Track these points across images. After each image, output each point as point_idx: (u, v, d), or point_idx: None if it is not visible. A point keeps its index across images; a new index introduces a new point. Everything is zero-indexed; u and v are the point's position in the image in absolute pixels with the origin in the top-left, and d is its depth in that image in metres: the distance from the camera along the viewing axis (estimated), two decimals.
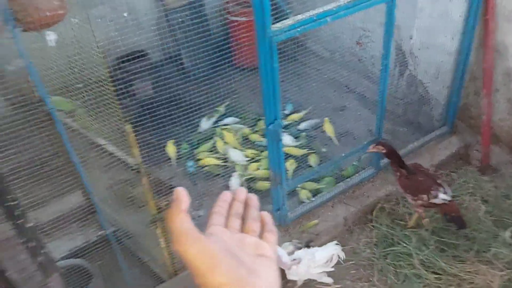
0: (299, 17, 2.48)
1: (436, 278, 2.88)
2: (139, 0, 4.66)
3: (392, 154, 2.97)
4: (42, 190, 3.51)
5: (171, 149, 4.10)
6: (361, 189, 3.48)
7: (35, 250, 2.07)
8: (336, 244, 2.91)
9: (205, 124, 4.40)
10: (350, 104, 4.42)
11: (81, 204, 3.67)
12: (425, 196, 2.88)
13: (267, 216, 0.78)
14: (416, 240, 3.06)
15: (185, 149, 4.14)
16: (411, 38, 3.88)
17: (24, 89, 2.53)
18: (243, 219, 0.76)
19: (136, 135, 4.06)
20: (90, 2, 4.10)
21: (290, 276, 2.80)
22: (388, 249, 3.07)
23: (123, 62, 4.56)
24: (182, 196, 0.68)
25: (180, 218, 0.66)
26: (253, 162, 3.88)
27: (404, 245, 3.04)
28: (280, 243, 3.14)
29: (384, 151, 2.97)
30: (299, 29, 2.49)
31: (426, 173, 3.00)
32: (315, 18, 2.53)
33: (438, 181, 2.97)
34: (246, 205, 0.78)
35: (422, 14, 3.67)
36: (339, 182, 3.50)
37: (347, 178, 3.53)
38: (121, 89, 4.55)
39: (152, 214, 2.67)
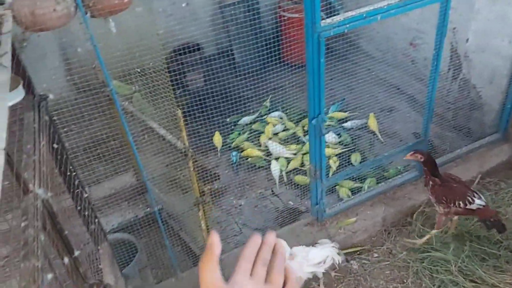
0: (349, 13, 2.51)
1: (474, 286, 2.82)
2: None
3: (429, 163, 2.91)
4: (98, 168, 3.79)
5: (217, 139, 4.27)
6: (402, 191, 3.45)
7: (89, 218, 2.27)
8: (333, 246, 2.90)
9: (247, 118, 4.50)
10: (399, 105, 4.37)
11: (132, 184, 3.93)
12: (461, 203, 2.85)
13: (291, 271, 0.80)
14: (454, 247, 3.01)
15: (232, 139, 4.29)
16: (467, 41, 3.78)
17: (89, 74, 2.76)
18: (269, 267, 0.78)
19: (185, 124, 4.28)
20: None
21: None
22: (425, 253, 3.03)
23: (179, 54, 4.78)
24: (215, 241, 0.73)
25: (210, 268, 0.71)
26: (296, 156, 3.96)
27: (442, 251, 3.00)
28: (316, 239, 3.19)
29: (422, 159, 2.92)
30: (348, 26, 2.53)
31: (458, 180, 2.96)
32: (364, 15, 2.56)
33: (471, 187, 2.96)
34: (274, 251, 0.80)
35: (479, 16, 3.57)
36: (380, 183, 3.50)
37: (388, 179, 3.52)
38: (175, 79, 4.80)
39: (195, 196, 2.81)
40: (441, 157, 3.63)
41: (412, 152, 2.95)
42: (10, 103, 1.59)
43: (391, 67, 4.72)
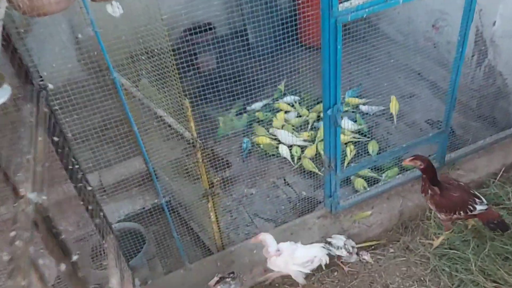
0: None
1: (495, 287, 2.69)
2: None
3: (429, 171, 2.72)
4: (109, 153, 3.72)
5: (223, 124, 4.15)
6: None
7: (93, 212, 2.19)
8: (323, 247, 2.79)
9: (257, 104, 4.35)
10: (420, 92, 4.17)
11: (142, 169, 3.85)
12: (462, 212, 2.73)
13: None
14: (474, 245, 2.87)
15: (243, 124, 4.14)
16: (493, 25, 3.54)
17: (98, 55, 2.64)
18: None
19: (196, 108, 4.14)
20: None
21: (269, 265, 2.76)
22: (444, 250, 2.90)
23: (190, 34, 4.63)
24: None
25: None
26: (311, 144, 3.82)
27: (462, 249, 2.87)
28: (329, 232, 3.08)
29: (421, 166, 2.71)
30: (367, 10, 2.35)
31: (457, 186, 2.79)
32: None
33: (471, 191, 2.80)
34: None
35: None
36: (400, 174, 3.35)
37: (406, 170, 3.36)
38: (186, 61, 4.66)
39: (204, 188, 2.72)
40: (463, 148, 3.45)
41: (412, 158, 2.73)
42: None
43: (412, 51, 4.49)
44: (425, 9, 4.26)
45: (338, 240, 2.87)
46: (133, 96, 2.91)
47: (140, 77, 2.79)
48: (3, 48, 1.68)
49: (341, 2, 2.29)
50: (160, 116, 2.70)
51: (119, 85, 2.22)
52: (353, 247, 2.85)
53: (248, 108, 4.33)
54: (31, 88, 1.82)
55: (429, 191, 2.77)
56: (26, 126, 1.59)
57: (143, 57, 2.33)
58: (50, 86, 1.87)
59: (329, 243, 2.86)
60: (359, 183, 3.36)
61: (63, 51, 4.07)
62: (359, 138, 3.81)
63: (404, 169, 3.40)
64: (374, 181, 3.40)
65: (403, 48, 4.59)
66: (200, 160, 2.58)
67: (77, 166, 2.09)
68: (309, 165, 3.62)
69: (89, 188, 2.14)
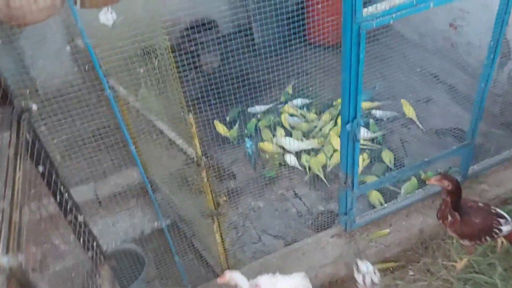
0: (396, 1, 2.07)
1: None
2: None
3: (456, 193, 2.44)
4: (105, 163, 3.48)
5: (220, 128, 3.91)
6: None
7: (86, 244, 1.96)
8: (305, 276, 2.52)
9: (259, 107, 4.08)
10: (437, 96, 3.91)
11: (139, 180, 3.61)
12: (488, 237, 2.52)
13: None
14: (502, 270, 2.64)
15: (251, 128, 3.89)
16: None
17: (90, 68, 2.39)
18: None
19: (199, 111, 3.88)
20: None
21: None
22: (469, 274, 2.67)
23: (192, 32, 4.35)
24: None
25: None
26: (318, 152, 3.58)
27: (488, 273, 2.64)
28: (343, 252, 2.85)
29: (449, 187, 2.41)
30: (394, 16, 2.09)
31: (477, 209, 2.53)
32: (415, 2, 2.11)
33: (493, 210, 2.54)
34: None
35: None
36: (419, 188, 3.11)
37: (426, 183, 3.12)
38: (187, 60, 4.39)
39: (209, 209, 2.48)
40: (487, 159, 3.21)
41: (440, 177, 2.44)
42: None
43: (429, 53, 4.23)
44: (444, 6, 3.98)
45: (366, 266, 2.60)
46: (131, 106, 2.66)
47: (138, 86, 2.54)
48: None
49: (364, 6, 2.03)
50: (161, 130, 2.46)
51: (113, 99, 1.97)
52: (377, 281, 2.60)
53: (249, 110, 4.07)
54: (10, 110, 1.56)
55: (449, 217, 2.51)
56: (3, 159, 1.34)
57: (140, 59, 2.07)
58: (34, 107, 1.62)
59: (356, 264, 2.59)
60: (375, 196, 3.13)
61: (58, 53, 3.82)
62: (371, 146, 3.56)
63: (423, 181, 3.16)
64: (390, 193, 3.17)
65: (419, 48, 4.33)
66: (205, 180, 2.34)
67: (66, 194, 1.85)
68: (319, 172, 3.39)
69: (80, 218, 1.90)
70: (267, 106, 4.11)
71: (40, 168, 1.63)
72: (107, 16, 1.67)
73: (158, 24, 1.97)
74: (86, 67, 2.04)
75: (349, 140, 2.44)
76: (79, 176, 3.48)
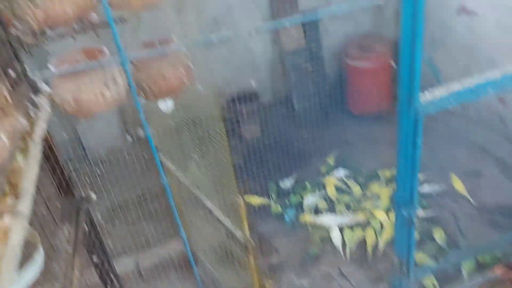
0: (455, 86, 2.02)
1: None
2: (257, 42, 4.54)
3: None
4: (147, 229, 3.45)
5: (253, 200, 3.85)
6: (505, 285, 2.82)
7: None
8: None
9: (287, 181, 4.01)
10: (487, 170, 3.75)
11: (182, 251, 3.54)
12: None
13: None
14: None
15: (293, 200, 3.82)
16: None
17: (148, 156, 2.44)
18: None
19: (240, 178, 3.86)
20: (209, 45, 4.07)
21: None
22: None
23: (235, 103, 4.45)
24: None
25: None
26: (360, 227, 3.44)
27: None
28: None
29: None
30: (452, 101, 2.04)
31: None
32: (473, 88, 2.06)
33: None
34: None
35: None
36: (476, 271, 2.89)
37: (485, 267, 2.91)
38: (232, 129, 4.44)
39: None
40: None
41: (506, 269, 2.24)
42: None
43: (474, 123, 4.13)
44: None
45: None
46: (181, 182, 2.66)
47: (188, 163, 2.55)
48: (45, 159, 1.46)
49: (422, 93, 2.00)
50: (209, 209, 2.42)
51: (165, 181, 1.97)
52: None
53: (287, 181, 4.01)
54: (70, 201, 1.57)
55: None
56: (60, 259, 1.32)
57: (195, 156, 2.09)
58: (93, 196, 1.62)
59: None
60: (429, 282, 2.92)
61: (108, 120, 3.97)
62: (421, 224, 3.40)
63: (481, 263, 2.95)
64: (442, 273, 2.95)
65: (463, 118, 4.24)
66: (253, 264, 2.25)
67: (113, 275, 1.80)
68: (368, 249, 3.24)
69: None
70: (295, 178, 4.04)
71: (95, 259, 1.60)
72: (166, 104, 1.70)
73: (211, 97, 2.02)
74: (144, 154, 2.06)
75: (404, 224, 2.32)
76: (121, 244, 3.48)
